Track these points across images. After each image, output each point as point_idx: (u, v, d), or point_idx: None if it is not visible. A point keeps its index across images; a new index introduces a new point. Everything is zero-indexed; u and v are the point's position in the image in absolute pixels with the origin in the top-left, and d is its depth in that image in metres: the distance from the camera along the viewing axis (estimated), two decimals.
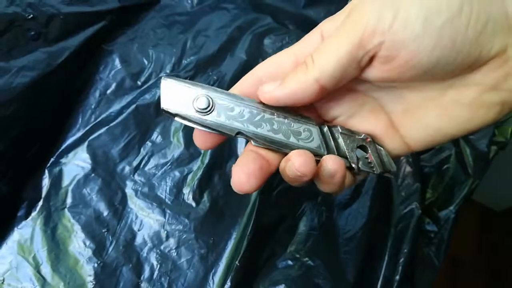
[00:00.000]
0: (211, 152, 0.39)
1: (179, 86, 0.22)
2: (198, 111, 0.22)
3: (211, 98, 0.22)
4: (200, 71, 0.43)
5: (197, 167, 0.38)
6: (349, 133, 0.24)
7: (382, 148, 0.24)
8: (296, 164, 0.21)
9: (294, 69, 0.22)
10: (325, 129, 0.24)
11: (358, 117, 0.24)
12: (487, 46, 0.19)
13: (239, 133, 0.23)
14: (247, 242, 0.35)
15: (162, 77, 0.22)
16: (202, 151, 0.39)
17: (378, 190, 0.39)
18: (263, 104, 0.23)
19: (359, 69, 0.21)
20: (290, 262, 0.36)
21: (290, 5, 0.47)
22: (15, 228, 0.35)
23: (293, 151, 0.22)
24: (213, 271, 0.35)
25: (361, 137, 0.24)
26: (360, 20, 0.20)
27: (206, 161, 0.38)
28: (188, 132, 0.40)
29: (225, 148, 0.39)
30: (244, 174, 0.22)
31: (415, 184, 0.40)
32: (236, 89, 0.24)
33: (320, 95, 0.22)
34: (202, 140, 0.24)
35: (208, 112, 0.22)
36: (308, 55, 0.23)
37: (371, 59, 0.20)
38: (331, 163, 0.22)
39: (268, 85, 0.22)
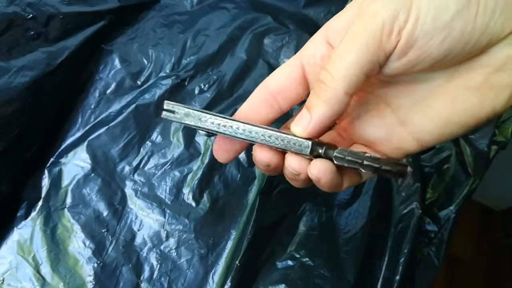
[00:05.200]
0: (211, 152, 0.39)
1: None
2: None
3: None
4: (200, 71, 0.42)
5: (197, 167, 0.38)
6: (351, 165, 0.21)
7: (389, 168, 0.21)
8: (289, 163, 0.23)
9: (312, 92, 0.22)
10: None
11: (363, 118, 0.24)
12: (497, 33, 0.19)
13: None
14: (247, 242, 0.35)
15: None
16: (202, 151, 0.39)
17: (378, 190, 0.39)
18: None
19: (380, 69, 0.21)
20: (290, 262, 0.36)
21: (290, 5, 0.47)
22: (15, 228, 0.35)
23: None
24: (213, 271, 0.35)
25: (364, 171, 0.21)
26: (374, 21, 0.19)
27: (206, 161, 0.38)
28: (188, 132, 0.39)
29: None
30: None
31: (415, 184, 0.40)
32: (247, 103, 0.25)
33: (349, 103, 0.21)
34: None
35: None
36: (311, 56, 0.23)
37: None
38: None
39: (298, 123, 0.22)
